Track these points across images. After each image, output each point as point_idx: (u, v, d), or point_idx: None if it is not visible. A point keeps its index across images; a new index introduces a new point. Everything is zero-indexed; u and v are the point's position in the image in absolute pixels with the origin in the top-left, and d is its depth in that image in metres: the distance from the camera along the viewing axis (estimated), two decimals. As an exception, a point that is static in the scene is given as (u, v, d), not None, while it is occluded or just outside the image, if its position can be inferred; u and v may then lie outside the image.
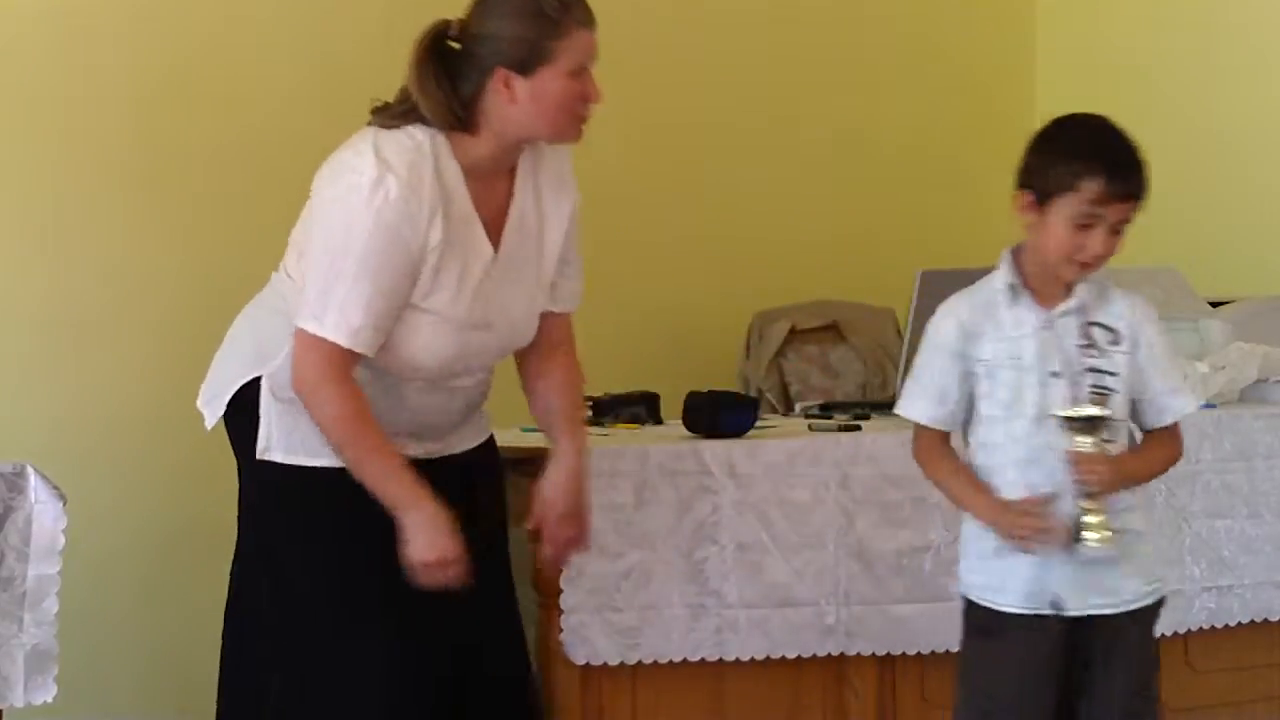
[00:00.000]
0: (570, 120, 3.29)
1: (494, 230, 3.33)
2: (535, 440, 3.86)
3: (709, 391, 4.08)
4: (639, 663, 3.79)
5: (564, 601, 3.73)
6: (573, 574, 3.73)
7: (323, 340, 3.23)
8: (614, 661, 3.77)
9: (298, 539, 3.37)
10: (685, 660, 3.82)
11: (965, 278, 4.50)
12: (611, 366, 4.81)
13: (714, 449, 3.87)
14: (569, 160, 3.45)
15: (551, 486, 3.46)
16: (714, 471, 3.85)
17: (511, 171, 3.37)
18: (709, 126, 5.24)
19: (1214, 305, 4.61)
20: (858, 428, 4.05)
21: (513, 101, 3.25)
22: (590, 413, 4.17)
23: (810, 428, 4.11)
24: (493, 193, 3.34)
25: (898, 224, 5.49)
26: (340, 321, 3.21)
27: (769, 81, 5.35)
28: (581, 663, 3.75)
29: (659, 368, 4.88)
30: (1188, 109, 5.35)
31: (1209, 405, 4.24)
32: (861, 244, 5.42)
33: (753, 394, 4.77)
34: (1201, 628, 4.13)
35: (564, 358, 3.52)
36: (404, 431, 3.36)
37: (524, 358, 3.52)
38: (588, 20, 3.28)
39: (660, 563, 3.80)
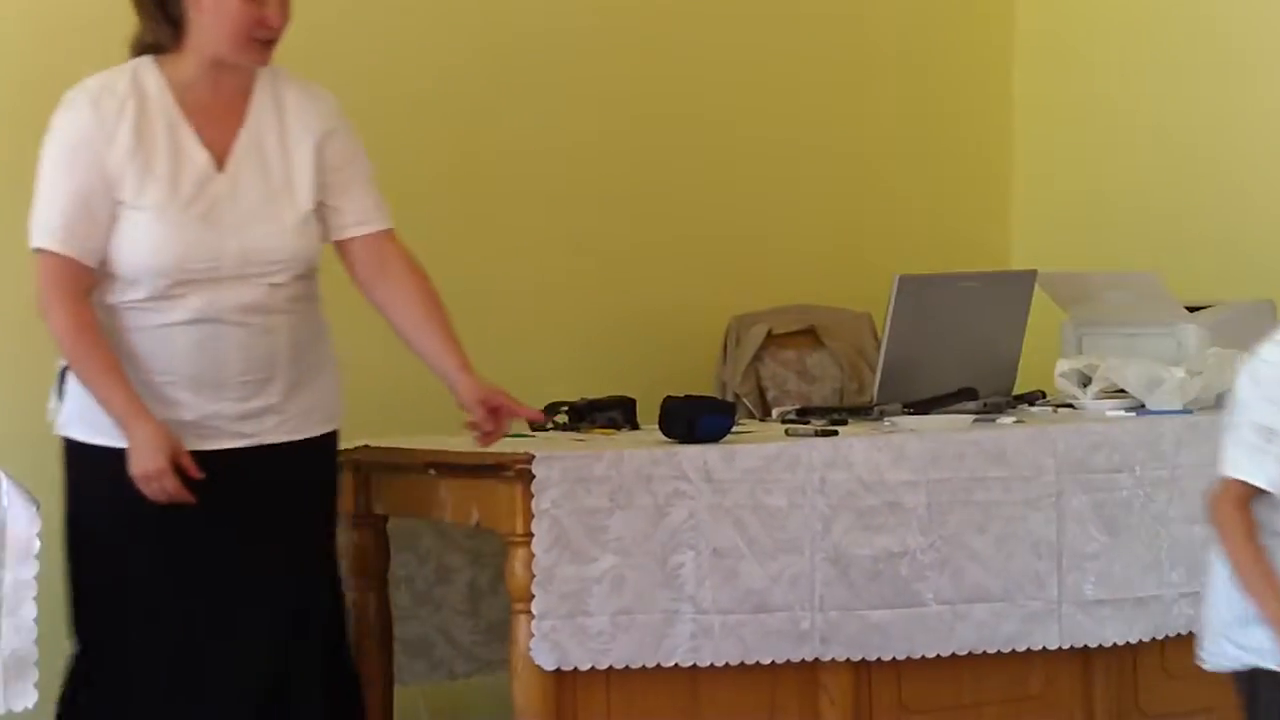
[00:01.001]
0: (247, 42, 3.53)
1: (222, 145, 3.57)
2: (510, 445, 3.88)
3: (685, 396, 4.07)
4: (611, 669, 3.78)
5: (535, 606, 3.72)
6: (544, 579, 3.72)
7: (40, 253, 3.51)
8: (585, 667, 3.76)
9: (74, 511, 3.58)
10: (659, 666, 3.81)
11: (943, 283, 4.55)
12: (588, 371, 4.89)
13: (690, 454, 3.86)
14: (321, 102, 3.69)
15: (472, 390, 3.71)
16: (690, 476, 3.84)
17: (244, 102, 3.61)
18: (687, 130, 5.23)
19: (1191, 310, 4.62)
20: (834, 433, 4.04)
21: (200, 11, 3.52)
22: (566, 418, 4.25)
23: (787, 433, 4.09)
24: (223, 112, 3.59)
25: (876, 228, 5.47)
26: (43, 225, 3.51)
27: (747, 85, 5.33)
28: (552, 668, 3.73)
29: (635, 372, 4.87)
30: (1166, 114, 5.35)
31: (1185, 411, 4.26)
32: (840, 248, 5.41)
33: (729, 399, 4.77)
34: (1179, 634, 4.12)
35: (402, 275, 3.71)
36: (182, 380, 3.54)
37: (368, 290, 3.75)
38: None
39: (635, 568, 3.79)
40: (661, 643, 3.80)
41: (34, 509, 3.46)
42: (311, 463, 3.69)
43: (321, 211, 3.65)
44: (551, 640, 3.73)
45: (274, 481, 3.58)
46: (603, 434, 4.17)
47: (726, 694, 3.89)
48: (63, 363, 3.59)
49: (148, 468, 3.45)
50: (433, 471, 3.97)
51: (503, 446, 3.86)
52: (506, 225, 5.11)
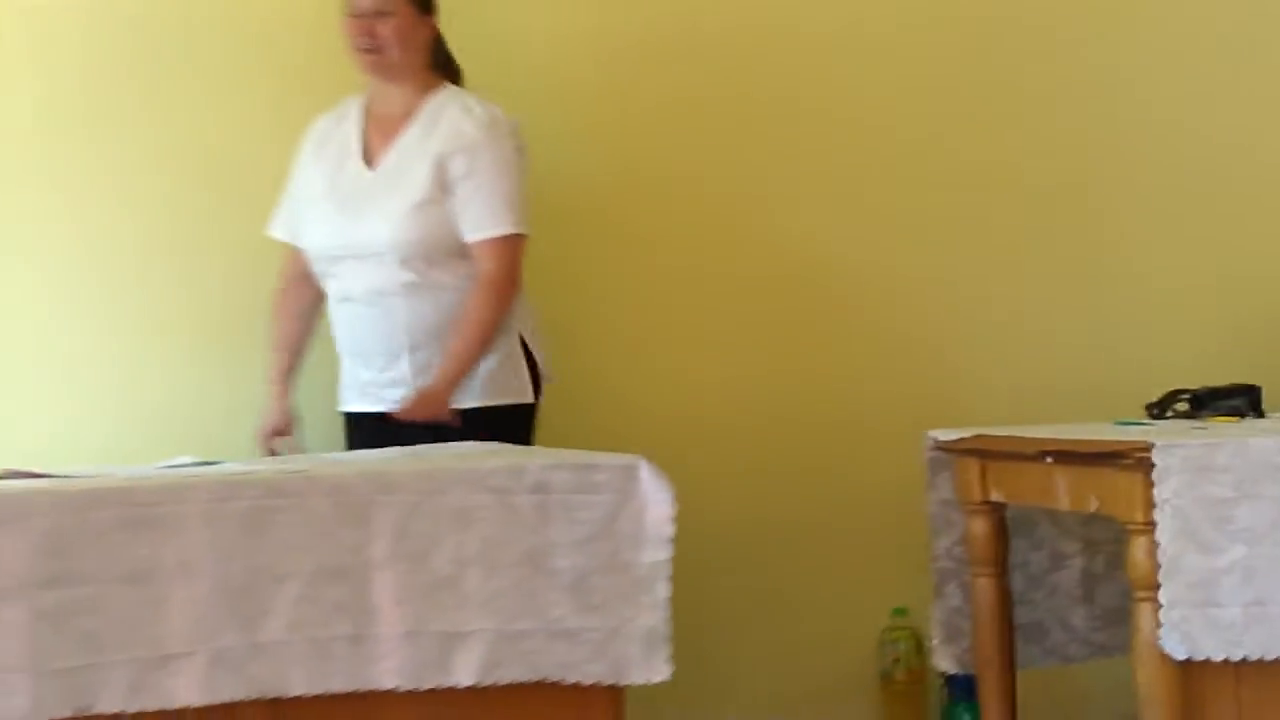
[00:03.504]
0: (354, 52, 4.11)
1: (378, 153, 4.11)
2: (1129, 433, 3.77)
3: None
4: (1243, 660, 3.59)
5: (1163, 596, 3.56)
6: (1170, 568, 3.56)
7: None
8: (1218, 658, 3.58)
9: None
10: (1289, 660, 3.61)
11: None
12: (1209, 358, 4.78)
13: (1324, 442, 3.62)
14: (466, 121, 4.07)
15: (419, 388, 4.04)
16: (1322, 465, 3.59)
17: (410, 118, 4.11)
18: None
19: None
20: None
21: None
22: (1187, 406, 4.15)
23: None
24: (390, 126, 4.12)
25: None
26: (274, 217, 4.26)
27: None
28: (1182, 658, 3.57)
29: (1259, 359, 4.72)
30: None
31: None
32: None
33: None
34: None
35: (472, 292, 4.03)
36: (349, 350, 4.13)
37: None
38: None
39: (1264, 559, 3.57)
40: (1294, 636, 3.59)
41: (669, 496, 3.46)
42: (469, 430, 3.97)
43: (454, 215, 4.04)
44: (1181, 630, 3.56)
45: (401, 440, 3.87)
46: (1224, 422, 4.00)
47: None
48: None
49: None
50: (1049, 459, 3.86)
51: (1120, 435, 3.76)
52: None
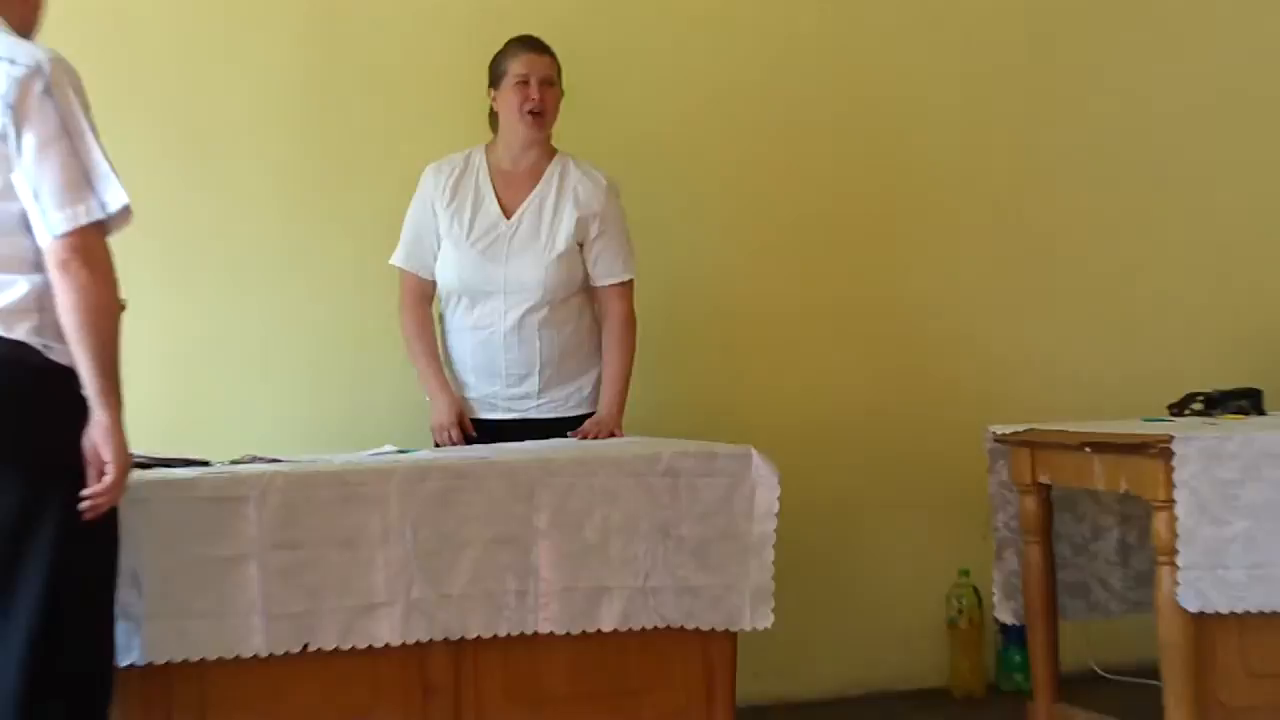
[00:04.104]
0: (520, 114, 4.40)
1: (512, 205, 4.38)
2: (1152, 428, 4.06)
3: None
4: (1246, 613, 3.84)
5: (1180, 560, 3.84)
6: (1187, 538, 3.81)
7: (398, 269, 4.46)
8: (1224, 611, 3.83)
9: None
10: (1280, 613, 3.82)
11: None
12: (1220, 366, 5.01)
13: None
14: (594, 184, 4.40)
15: (595, 416, 4.36)
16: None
17: (537, 176, 4.40)
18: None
19: None
20: None
21: (500, 108, 4.43)
22: (1202, 406, 4.37)
23: None
24: (519, 182, 4.42)
25: None
26: (398, 250, 4.48)
27: None
28: (1195, 611, 3.82)
29: (1261, 365, 4.93)
30: None
31: None
32: None
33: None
34: None
35: (612, 330, 4.41)
36: (476, 368, 4.37)
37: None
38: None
39: (1264, 530, 3.85)
40: (1292, 592, 3.80)
41: (775, 478, 3.69)
42: (574, 429, 4.35)
43: (585, 264, 4.38)
44: (1195, 588, 3.83)
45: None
46: (1233, 419, 4.24)
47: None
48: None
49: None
50: (1088, 449, 4.14)
51: (1146, 429, 4.04)
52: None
